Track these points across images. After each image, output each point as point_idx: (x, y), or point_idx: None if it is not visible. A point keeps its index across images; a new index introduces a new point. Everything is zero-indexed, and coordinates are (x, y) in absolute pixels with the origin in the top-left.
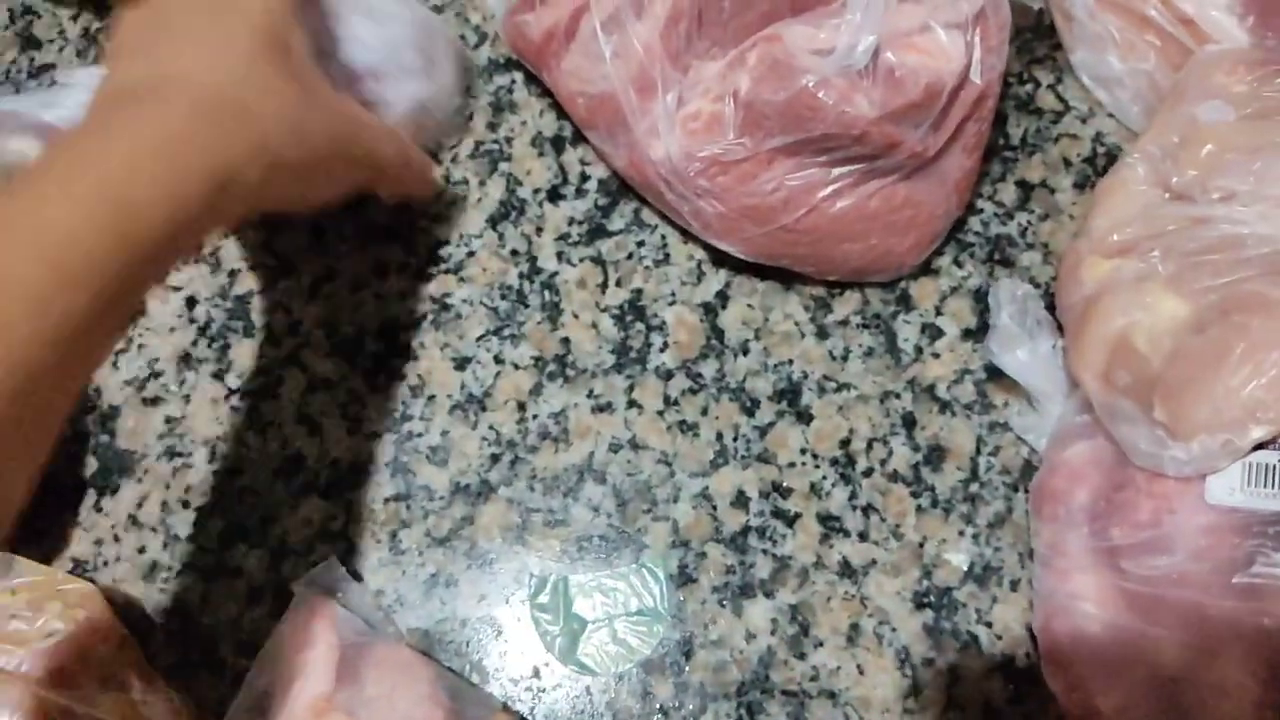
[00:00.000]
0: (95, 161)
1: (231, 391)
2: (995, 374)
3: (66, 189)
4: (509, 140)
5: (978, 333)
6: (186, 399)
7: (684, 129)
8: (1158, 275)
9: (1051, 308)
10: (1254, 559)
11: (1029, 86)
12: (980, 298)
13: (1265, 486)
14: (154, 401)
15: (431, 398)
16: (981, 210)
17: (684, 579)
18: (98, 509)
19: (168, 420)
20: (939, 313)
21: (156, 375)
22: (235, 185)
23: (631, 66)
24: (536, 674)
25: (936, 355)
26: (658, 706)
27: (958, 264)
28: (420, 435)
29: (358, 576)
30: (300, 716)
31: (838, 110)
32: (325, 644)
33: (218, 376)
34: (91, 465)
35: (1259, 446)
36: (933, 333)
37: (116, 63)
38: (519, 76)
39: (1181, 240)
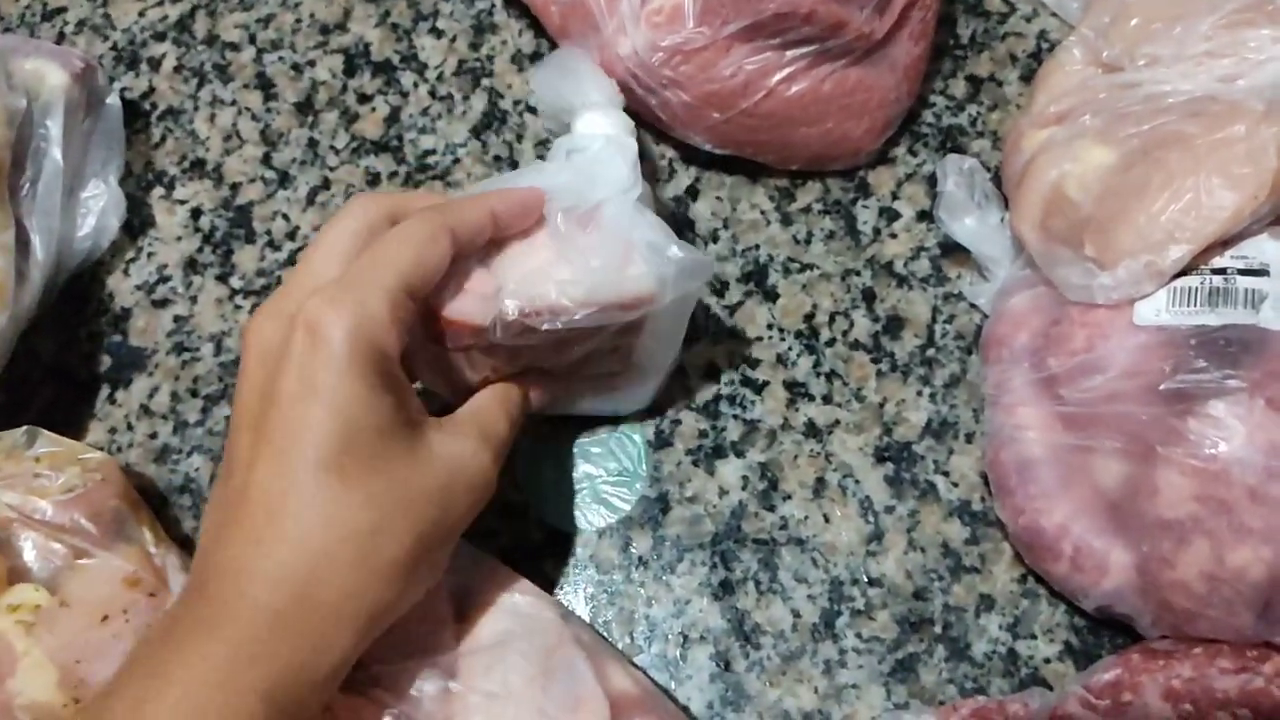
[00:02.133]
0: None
1: (235, 292)
2: (949, 250)
3: None
4: (490, 58)
5: (931, 214)
6: (193, 300)
7: (648, 23)
8: (1087, 131)
9: (1000, 184)
10: (1179, 368)
11: None
12: (934, 182)
13: (1188, 305)
14: (163, 303)
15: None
16: (934, 104)
17: (660, 443)
18: (111, 401)
19: (176, 319)
20: (895, 197)
21: (165, 280)
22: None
23: None
24: (524, 531)
25: (894, 235)
26: (637, 557)
27: (912, 153)
28: None
29: None
30: None
31: None
32: None
33: (221, 279)
34: (105, 362)
35: (1182, 273)
36: (890, 215)
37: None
38: (497, 1)
39: (1110, 102)
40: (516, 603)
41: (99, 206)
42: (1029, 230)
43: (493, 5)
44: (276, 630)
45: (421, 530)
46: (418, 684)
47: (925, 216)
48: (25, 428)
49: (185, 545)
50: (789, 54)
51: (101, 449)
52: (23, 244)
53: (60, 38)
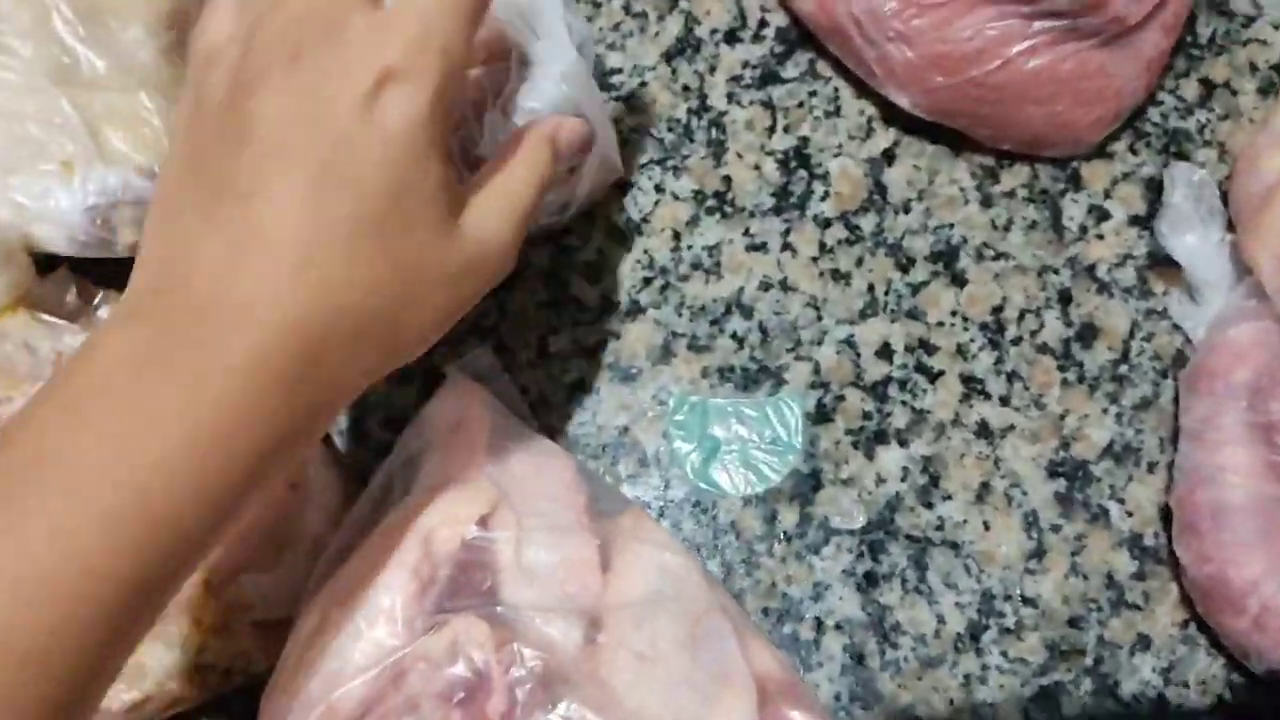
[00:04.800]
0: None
1: None
2: (1158, 262)
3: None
4: None
5: (1145, 220)
6: None
7: None
8: None
9: (1224, 201)
10: None
11: None
12: (1152, 186)
13: None
14: None
15: (589, 216)
16: (1162, 102)
17: (820, 417)
18: None
19: None
20: (1108, 196)
21: None
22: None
23: None
24: (667, 485)
25: (1100, 237)
26: (782, 532)
27: (1133, 151)
28: (577, 249)
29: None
30: (451, 475)
31: None
32: (477, 420)
33: None
34: None
35: None
36: (1099, 214)
37: (148, 255)
38: None
39: None
40: (666, 561)
41: None
42: (1267, 260)
43: None
44: (285, 382)
45: (437, 315)
46: (562, 629)
47: (1137, 222)
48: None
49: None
50: (1036, 25)
51: None
52: None
53: None
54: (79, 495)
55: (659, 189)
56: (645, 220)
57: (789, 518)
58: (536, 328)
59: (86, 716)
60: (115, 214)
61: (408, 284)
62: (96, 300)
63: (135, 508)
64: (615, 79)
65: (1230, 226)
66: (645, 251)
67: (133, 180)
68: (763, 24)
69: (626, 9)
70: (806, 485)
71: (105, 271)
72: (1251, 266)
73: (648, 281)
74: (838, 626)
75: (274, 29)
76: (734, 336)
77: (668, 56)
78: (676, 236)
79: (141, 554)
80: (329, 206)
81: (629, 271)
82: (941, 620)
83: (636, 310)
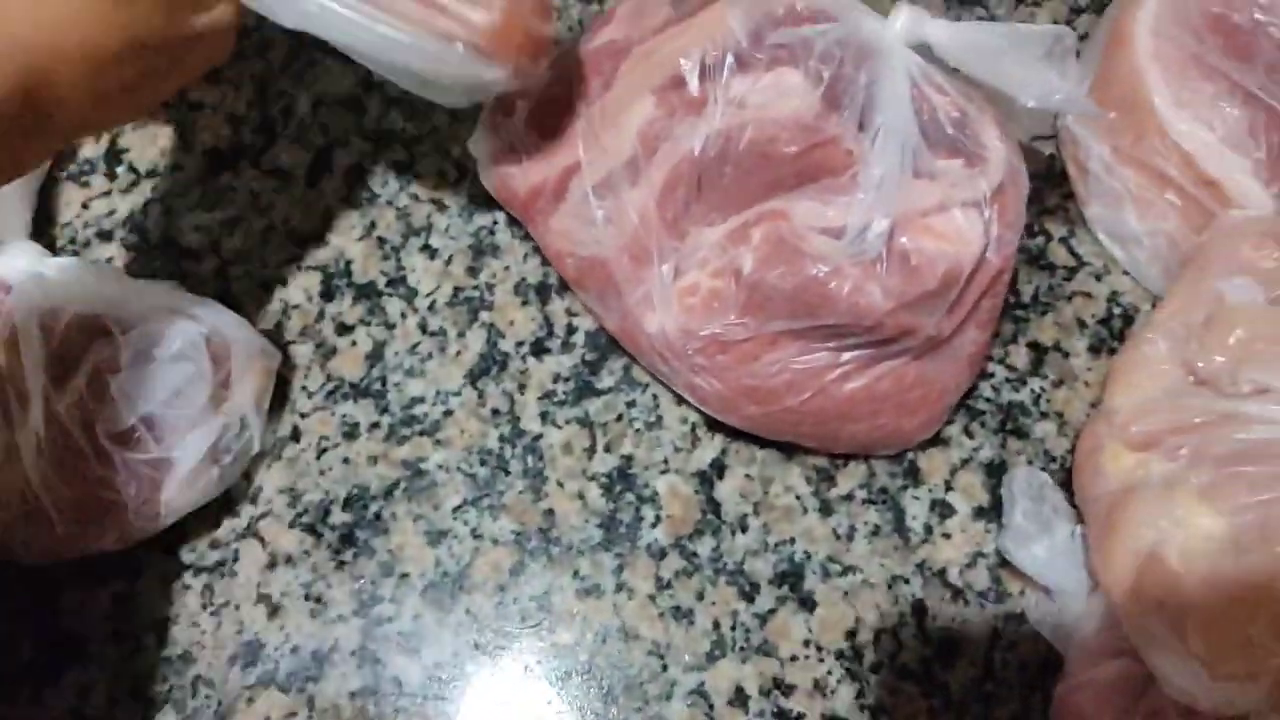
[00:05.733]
0: None
1: (184, 568)
2: (1009, 560)
3: None
4: (490, 287)
5: (990, 511)
6: (136, 574)
7: (681, 303)
8: (1189, 484)
9: (1066, 484)
10: None
11: (1040, 239)
12: (992, 471)
13: None
14: (101, 581)
15: (404, 576)
16: (993, 375)
17: None
18: (35, 702)
19: (115, 599)
20: (949, 488)
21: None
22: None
23: (625, 233)
24: None
25: (947, 535)
26: None
27: (968, 434)
28: (390, 620)
29: None
30: None
31: (850, 301)
32: None
33: (169, 550)
34: (27, 651)
35: None
36: (943, 510)
37: None
38: (501, 217)
39: (1212, 441)
40: None
41: None
42: (1119, 595)
43: (494, 222)
44: None
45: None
46: None
47: (982, 514)
48: None
49: None
50: (845, 355)
51: None
52: None
53: None
54: None
55: (476, 534)
56: (464, 573)
57: None
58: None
59: None
60: None
61: None
62: None
63: None
64: (418, 409)
65: (1080, 516)
66: (468, 611)
67: None
68: (570, 330)
69: (423, 328)
70: None
71: None
72: (1106, 595)
73: (477, 647)
74: None
75: None
76: (575, 705)
77: (472, 377)
78: (501, 589)
79: None
80: None
81: (451, 637)
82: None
83: (464, 682)
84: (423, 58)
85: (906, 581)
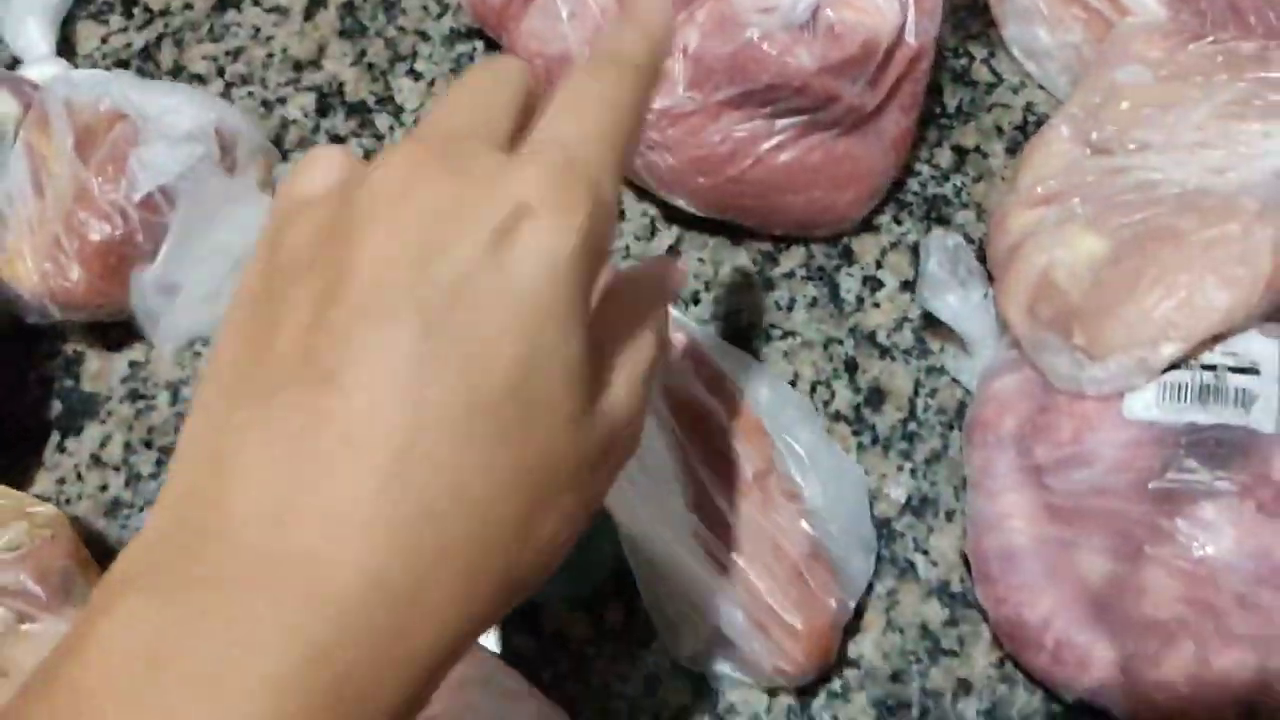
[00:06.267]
0: None
1: (195, 338)
2: (932, 322)
3: None
4: None
5: (914, 284)
6: (150, 345)
7: None
8: (1077, 217)
9: (984, 259)
10: (1168, 466)
11: (964, 60)
12: (918, 252)
13: (1178, 402)
14: (118, 346)
15: None
16: (919, 172)
17: None
18: (61, 449)
19: (131, 364)
20: (879, 266)
21: (122, 324)
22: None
23: (588, 26)
24: None
25: (877, 305)
26: None
27: (897, 221)
28: None
29: None
30: None
31: (780, 62)
32: None
33: None
34: (56, 408)
35: (1173, 367)
36: (873, 284)
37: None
38: (479, 45)
39: (1100, 188)
40: None
41: None
42: (1016, 315)
43: (474, 49)
44: (350, 681)
45: (563, 528)
46: None
47: (908, 287)
48: None
49: None
50: (779, 123)
51: (49, 500)
52: None
53: (14, 63)
54: None
55: None
56: None
57: None
58: None
59: None
60: None
61: (533, 496)
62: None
63: None
64: None
65: (992, 280)
66: None
67: None
68: None
69: None
70: None
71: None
72: (1005, 320)
73: None
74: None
75: (382, 172)
76: None
77: None
78: None
79: None
80: (436, 387)
81: None
82: (772, 694)
83: None
84: None
85: (840, 343)
